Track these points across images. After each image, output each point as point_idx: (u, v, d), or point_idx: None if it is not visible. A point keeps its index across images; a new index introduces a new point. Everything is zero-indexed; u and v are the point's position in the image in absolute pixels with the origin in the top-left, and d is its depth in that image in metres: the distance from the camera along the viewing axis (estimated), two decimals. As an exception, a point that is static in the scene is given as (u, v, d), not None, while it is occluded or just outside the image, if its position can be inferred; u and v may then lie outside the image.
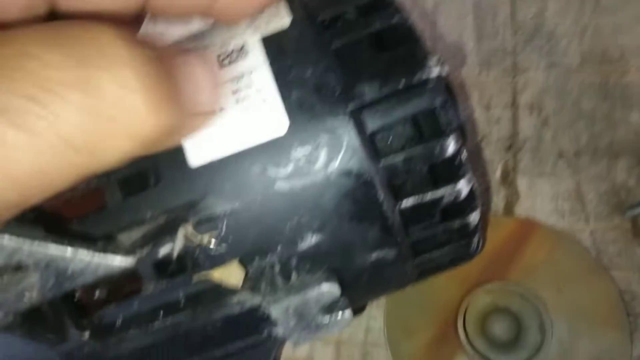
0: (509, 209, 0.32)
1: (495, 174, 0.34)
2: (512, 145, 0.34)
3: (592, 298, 0.28)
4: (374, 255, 0.20)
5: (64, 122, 0.11)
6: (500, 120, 0.34)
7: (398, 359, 0.29)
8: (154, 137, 0.13)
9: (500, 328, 0.28)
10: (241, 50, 0.20)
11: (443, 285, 0.28)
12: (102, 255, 0.16)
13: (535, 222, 0.31)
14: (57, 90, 0.11)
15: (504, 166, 0.34)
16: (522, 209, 0.32)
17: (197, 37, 0.22)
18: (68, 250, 0.15)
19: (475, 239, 0.23)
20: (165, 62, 0.13)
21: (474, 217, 0.21)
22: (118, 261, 0.16)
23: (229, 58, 0.20)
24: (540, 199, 0.32)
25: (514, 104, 0.35)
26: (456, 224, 0.21)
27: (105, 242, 0.16)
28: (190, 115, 0.15)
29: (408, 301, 0.29)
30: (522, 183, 0.33)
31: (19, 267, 0.16)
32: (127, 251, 0.16)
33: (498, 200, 0.33)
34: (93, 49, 0.11)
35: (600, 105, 0.34)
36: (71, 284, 0.16)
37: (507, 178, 0.33)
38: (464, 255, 0.24)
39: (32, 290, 0.16)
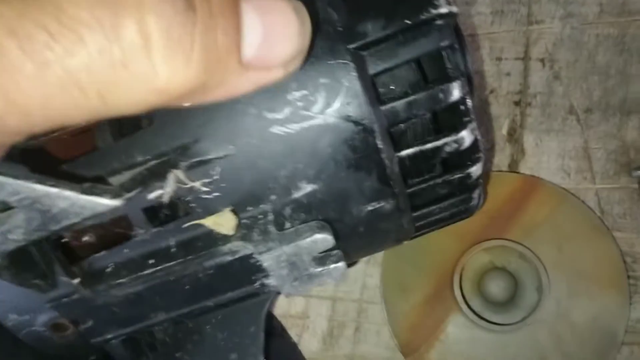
0: (513, 166, 0.32)
1: (502, 130, 0.33)
2: (521, 100, 0.33)
3: (593, 259, 0.29)
4: (371, 206, 0.20)
5: (74, 60, 0.11)
6: (510, 73, 0.34)
7: (393, 317, 0.30)
8: (177, 93, 0.12)
9: (496, 287, 0.28)
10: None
11: (441, 243, 0.29)
12: (88, 196, 0.15)
13: (539, 179, 0.31)
14: (72, 25, 0.11)
15: (511, 122, 0.33)
16: (527, 166, 0.32)
17: None
18: (52, 190, 0.15)
19: (476, 194, 0.23)
20: (218, 9, 0.12)
21: (475, 170, 0.21)
22: (104, 202, 0.16)
23: None
24: (547, 156, 0.32)
25: (525, 57, 0.34)
26: (457, 176, 0.21)
27: (92, 184, 0.16)
28: (246, 71, 0.14)
29: (405, 259, 0.30)
30: (528, 140, 0.33)
31: (2, 207, 0.16)
32: (115, 193, 0.16)
33: (503, 158, 0.32)
34: None
35: (615, 60, 0.33)
36: (57, 225, 0.16)
37: (514, 135, 0.33)
38: (464, 210, 0.24)
39: (17, 230, 0.16)
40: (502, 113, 0.34)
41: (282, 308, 0.34)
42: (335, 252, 0.20)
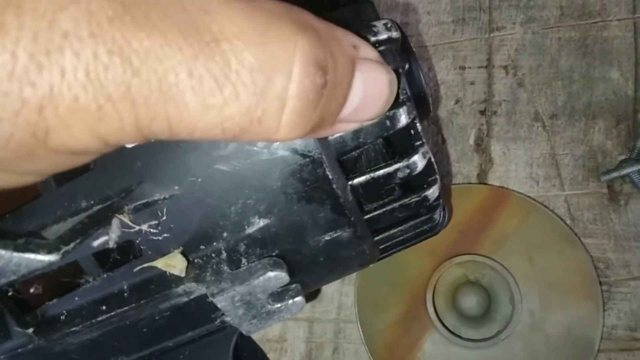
0: (482, 176, 0.32)
1: (469, 140, 0.33)
2: (486, 109, 0.34)
3: (564, 268, 0.29)
4: (328, 236, 0.20)
5: (227, 110, 0.13)
6: (474, 82, 0.34)
7: (369, 336, 0.30)
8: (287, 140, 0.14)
9: (470, 302, 0.28)
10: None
11: (413, 260, 0.29)
12: (22, 253, 0.15)
13: (507, 190, 0.31)
14: (235, 80, 0.12)
15: (477, 132, 0.33)
16: (495, 176, 0.32)
17: None
18: (-14, 250, 0.15)
19: (437, 214, 0.23)
20: (339, 81, 0.14)
21: (432, 192, 0.21)
22: (40, 258, 0.15)
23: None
24: (515, 165, 0.32)
25: (489, 65, 0.34)
26: (414, 199, 0.21)
27: (27, 239, 0.16)
28: (336, 125, 0.15)
29: (378, 277, 0.30)
30: (496, 149, 0.33)
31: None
32: (51, 247, 0.16)
33: (472, 168, 0.32)
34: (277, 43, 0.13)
35: (578, 63, 0.33)
36: (-6, 282, 0.16)
37: (481, 144, 0.33)
38: (428, 229, 0.24)
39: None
40: (468, 123, 0.34)
41: (259, 333, 0.34)
42: (293, 286, 0.19)
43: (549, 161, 0.32)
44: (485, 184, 0.32)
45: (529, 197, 0.31)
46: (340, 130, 0.16)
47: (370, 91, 0.15)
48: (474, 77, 0.34)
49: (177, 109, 0.12)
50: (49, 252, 0.16)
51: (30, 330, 0.20)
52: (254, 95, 0.12)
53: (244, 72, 0.12)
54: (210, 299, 0.19)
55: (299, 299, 0.20)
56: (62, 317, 0.20)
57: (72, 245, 0.17)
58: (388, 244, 0.23)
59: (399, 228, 0.22)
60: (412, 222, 0.22)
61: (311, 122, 0.13)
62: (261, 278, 0.18)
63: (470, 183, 0.32)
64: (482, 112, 0.34)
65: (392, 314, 0.29)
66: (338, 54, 0.14)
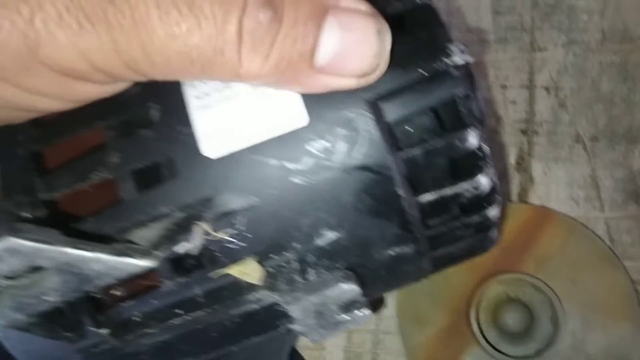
0: (523, 195, 0.33)
1: (510, 159, 0.34)
2: (528, 128, 0.34)
3: (605, 289, 0.30)
4: (392, 251, 0.21)
5: (192, 39, 0.14)
6: (516, 101, 0.35)
7: (410, 348, 0.31)
8: (253, 80, 0.16)
9: (512, 319, 0.29)
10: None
11: (455, 275, 0.29)
12: (121, 257, 0.16)
13: (550, 210, 0.32)
14: (197, 13, 0.14)
15: (519, 151, 0.34)
16: (536, 195, 0.33)
17: None
18: (86, 254, 0.16)
19: (494, 232, 0.24)
20: (302, 20, 0.15)
21: (493, 212, 0.22)
22: (136, 262, 0.16)
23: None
24: (555, 185, 0.33)
25: (530, 84, 0.35)
26: (475, 218, 0.22)
27: (124, 244, 0.17)
28: (317, 74, 0.16)
29: (420, 290, 0.30)
30: (536, 168, 0.33)
31: (38, 269, 0.16)
32: (146, 253, 0.17)
33: (512, 187, 0.33)
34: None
35: (619, 87, 0.34)
36: (91, 286, 0.17)
37: (522, 163, 0.34)
38: (481, 247, 0.25)
39: (52, 292, 0.17)
40: (509, 142, 0.35)
41: (299, 340, 0.35)
42: (361, 298, 0.20)
43: (590, 183, 0.33)
44: (526, 202, 0.33)
45: (570, 217, 0.32)
46: (327, 83, 0.16)
47: (350, 38, 0.16)
48: (515, 96, 0.35)
49: (148, 36, 0.14)
50: (145, 258, 0.17)
51: (105, 330, 0.21)
52: (214, 27, 0.14)
53: (205, 6, 0.14)
54: (285, 307, 0.20)
55: (366, 311, 0.20)
56: (137, 319, 0.21)
57: (163, 251, 0.18)
58: (442, 260, 0.24)
59: (456, 245, 0.23)
60: (469, 240, 0.23)
61: (272, 59, 0.15)
62: (335, 290, 0.19)
63: (511, 201, 0.33)
64: (524, 132, 0.35)
65: (433, 327, 0.30)
66: None
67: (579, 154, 0.33)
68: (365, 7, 0.16)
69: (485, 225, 0.23)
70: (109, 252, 0.16)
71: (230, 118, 0.19)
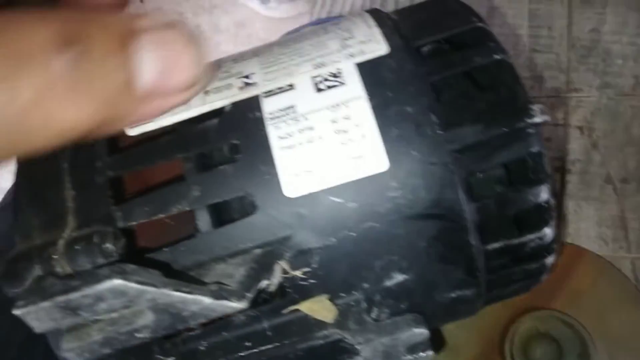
0: (555, 232, 0.34)
1: (542, 195, 0.35)
2: (561, 166, 0.35)
3: (633, 328, 0.31)
4: (454, 294, 0.22)
5: None
6: (550, 138, 0.36)
7: (439, 376, 0.31)
8: (81, 129, 0.14)
9: (541, 354, 0.30)
10: (337, 77, 0.21)
11: (489, 308, 0.30)
12: (218, 300, 0.16)
13: (582, 248, 0.33)
14: None
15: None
16: (566, 232, 0.34)
17: (298, 52, 0.22)
18: (188, 296, 0.16)
19: (544, 276, 0.25)
20: (105, 51, 0.14)
21: (551, 259, 0.23)
22: (232, 305, 0.17)
23: (325, 82, 0.21)
24: (585, 224, 0.34)
25: (565, 123, 0.36)
26: (534, 265, 0.23)
27: (219, 285, 0.17)
28: (146, 101, 0.15)
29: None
30: (568, 206, 0.34)
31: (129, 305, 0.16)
32: (240, 295, 0.17)
33: (544, 223, 0.34)
34: (26, 43, 0.13)
35: (650, 132, 0.36)
36: (184, 325, 0.17)
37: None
38: (527, 288, 0.26)
39: (144, 330, 0.17)
40: (542, 178, 0.36)
41: None
42: (427, 341, 0.21)
43: (618, 223, 0.34)
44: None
45: (600, 256, 0.33)
46: (157, 107, 0.16)
47: (166, 55, 0.15)
48: (549, 133, 0.36)
49: None
50: (239, 300, 0.17)
51: (172, 358, 0.21)
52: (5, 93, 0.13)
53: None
54: (356, 346, 0.20)
55: (429, 352, 0.21)
56: (203, 349, 0.21)
57: (253, 292, 0.18)
58: (493, 299, 0.25)
59: (509, 288, 0.24)
60: (521, 283, 0.24)
61: (91, 102, 0.14)
62: (407, 333, 0.20)
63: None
64: (557, 169, 0.36)
65: (465, 354, 0.31)
66: (92, 30, 0.14)
67: (609, 194, 0.35)
68: (167, 20, 0.16)
69: (540, 271, 0.23)
70: (207, 294, 0.16)
71: (311, 159, 0.20)
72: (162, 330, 0.17)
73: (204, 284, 0.17)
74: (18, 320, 0.16)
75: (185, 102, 0.16)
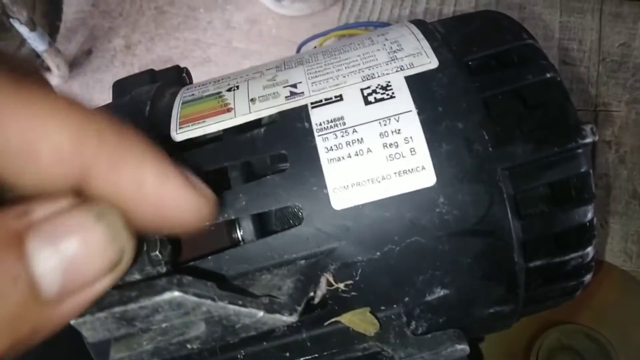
0: (580, 246, 0.34)
1: (568, 208, 0.35)
2: (588, 180, 0.35)
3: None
4: (493, 309, 0.22)
5: None
6: (577, 152, 0.36)
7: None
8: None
9: (567, 367, 0.30)
10: (386, 89, 0.21)
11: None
12: (271, 314, 0.16)
13: (608, 263, 0.33)
14: None
15: (578, 201, 0.35)
16: (592, 246, 0.34)
17: (315, 71, 0.22)
18: (242, 309, 0.16)
19: (578, 293, 0.25)
20: None
21: (588, 277, 0.23)
22: (284, 318, 0.17)
23: (374, 95, 0.21)
24: (611, 238, 0.34)
25: (593, 138, 0.36)
26: (572, 283, 0.23)
27: (270, 299, 0.17)
28: (61, 303, 0.12)
29: (478, 331, 0.31)
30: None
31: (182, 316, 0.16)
32: (291, 308, 0.17)
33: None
34: None
35: (677, 149, 0.35)
36: (234, 337, 0.17)
37: (581, 214, 0.35)
38: (559, 304, 0.26)
39: (196, 341, 0.17)
40: (568, 191, 0.35)
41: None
42: (466, 357, 0.21)
43: (643, 239, 0.34)
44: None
45: (625, 271, 0.33)
46: (85, 298, 0.13)
47: (72, 245, 0.12)
48: (577, 147, 0.36)
49: None
50: (290, 313, 0.17)
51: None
52: None
53: None
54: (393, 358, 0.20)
55: (467, 367, 0.21)
56: (241, 357, 0.21)
57: (302, 306, 0.18)
58: (526, 314, 0.25)
59: (544, 304, 0.24)
60: (556, 299, 0.24)
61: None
62: (449, 349, 0.20)
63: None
64: (584, 183, 0.35)
65: (488, 367, 0.31)
66: None
67: (635, 209, 0.34)
68: (65, 203, 0.13)
69: (577, 289, 0.23)
70: (260, 307, 0.16)
71: (360, 172, 0.20)
72: (212, 341, 0.17)
73: (254, 295, 0.17)
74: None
75: (114, 280, 0.13)
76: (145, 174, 0.13)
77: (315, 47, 0.44)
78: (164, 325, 0.16)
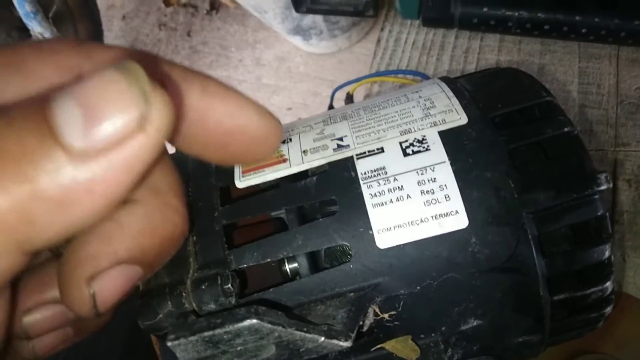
0: (604, 279, 0.36)
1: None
2: (610, 217, 0.37)
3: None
4: (521, 339, 0.24)
5: None
6: (598, 190, 0.38)
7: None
8: (10, 219, 0.11)
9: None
10: (422, 142, 0.24)
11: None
12: (330, 339, 0.19)
13: (630, 296, 0.35)
14: None
15: (600, 237, 0.37)
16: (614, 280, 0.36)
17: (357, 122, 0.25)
18: (307, 335, 0.19)
19: (600, 325, 0.27)
20: None
21: (609, 310, 0.25)
22: (341, 344, 0.19)
23: (412, 147, 0.24)
24: (632, 272, 0.36)
25: (614, 176, 0.38)
26: (594, 315, 0.25)
27: (329, 326, 0.20)
28: (90, 161, 0.12)
29: None
30: (616, 255, 0.36)
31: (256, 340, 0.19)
32: (347, 334, 0.20)
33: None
34: None
35: (696, 186, 0.37)
36: (298, 359, 0.20)
37: (604, 249, 0.37)
38: (582, 334, 0.28)
39: (265, 361, 0.19)
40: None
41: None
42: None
43: (665, 273, 0.36)
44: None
45: (648, 305, 0.34)
46: (118, 161, 0.12)
47: (88, 95, 0.11)
48: (598, 185, 0.38)
49: None
50: (345, 339, 0.20)
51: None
52: None
53: None
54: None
55: (500, 392, 0.23)
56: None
57: (355, 333, 0.21)
58: (552, 343, 0.27)
59: (568, 334, 0.26)
60: (579, 331, 0.26)
61: (3, 177, 0.11)
62: (484, 374, 0.22)
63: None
64: (606, 219, 0.38)
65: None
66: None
67: (656, 245, 0.36)
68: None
69: (599, 320, 0.25)
70: (321, 333, 0.19)
71: (401, 215, 0.22)
72: (279, 362, 0.20)
73: (313, 323, 0.20)
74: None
75: (148, 149, 0.12)
76: (230, 98, 0.15)
77: (348, 93, 0.48)
78: (240, 348, 0.19)
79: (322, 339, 0.19)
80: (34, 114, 0.11)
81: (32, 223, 0.11)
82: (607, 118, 0.39)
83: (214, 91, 0.15)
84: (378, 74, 0.44)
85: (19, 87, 0.13)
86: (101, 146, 0.12)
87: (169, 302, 0.21)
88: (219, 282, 0.21)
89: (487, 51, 0.44)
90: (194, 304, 0.21)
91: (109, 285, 0.13)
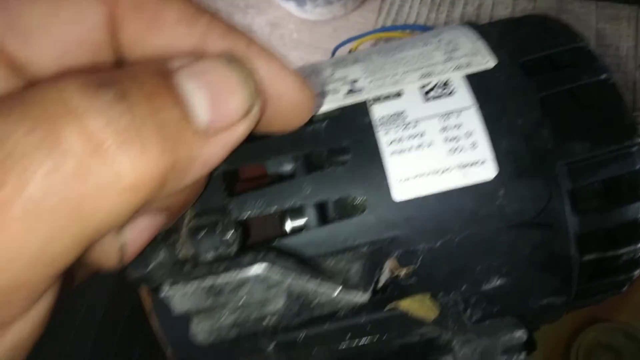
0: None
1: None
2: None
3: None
4: (546, 301, 0.22)
5: (29, 189, 0.10)
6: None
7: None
8: (150, 184, 0.12)
9: (605, 365, 0.30)
10: (445, 86, 0.22)
11: (555, 319, 0.31)
12: (347, 291, 0.17)
13: (646, 264, 0.33)
14: (15, 159, 0.10)
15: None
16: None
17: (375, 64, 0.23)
18: (320, 288, 0.17)
19: (625, 287, 0.25)
20: (151, 89, 0.13)
21: (637, 273, 0.23)
22: (357, 298, 0.17)
23: (433, 92, 0.22)
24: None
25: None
26: (622, 277, 0.23)
27: (344, 279, 0.18)
28: (209, 138, 0.14)
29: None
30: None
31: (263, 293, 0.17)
32: (363, 289, 0.18)
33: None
34: (56, 106, 0.11)
35: None
36: (309, 314, 0.18)
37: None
38: (606, 299, 0.26)
39: (272, 316, 0.18)
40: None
41: None
42: (523, 344, 0.21)
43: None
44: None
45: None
46: (228, 139, 0.14)
47: (211, 81, 0.14)
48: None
49: None
50: (363, 292, 0.18)
51: (272, 344, 0.21)
52: (48, 157, 0.11)
53: (20, 145, 0.11)
54: (450, 344, 0.21)
55: (524, 354, 0.22)
56: (300, 339, 0.22)
57: (371, 288, 0.19)
58: (575, 307, 0.25)
59: (593, 298, 0.25)
60: (604, 294, 0.25)
61: (150, 144, 0.12)
62: (507, 335, 0.21)
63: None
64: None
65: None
66: (123, 78, 0.12)
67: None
68: (193, 57, 0.14)
69: (624, 283, 0.24)
70: (338, 284, 0.17)
71: (421, 164, 0.20)
72: (288, 318, 0.18)
73: (327, 276, 0.18)
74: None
75: (247, 131, 0.15)
76: (272, 63, 0.15)
77: (350, 51, 0.45)
78: (244, 300, 0.17)
79: (339, 289, 0.17)
80: (166, 88, 0.13)
81: (162, 188, 0.13)
82: (626, 81, 0.38)
83: (256, 54, 0.16)
84: (383, 29, 0.42)
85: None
86: (224, 126, 0.14)
87: (162, 251, 0.19)
88: (219, 229, 0.19)
89: (501, 8, 0.42)
90: (191, 253, 0.19)
91: (136, 234, 0.15)
